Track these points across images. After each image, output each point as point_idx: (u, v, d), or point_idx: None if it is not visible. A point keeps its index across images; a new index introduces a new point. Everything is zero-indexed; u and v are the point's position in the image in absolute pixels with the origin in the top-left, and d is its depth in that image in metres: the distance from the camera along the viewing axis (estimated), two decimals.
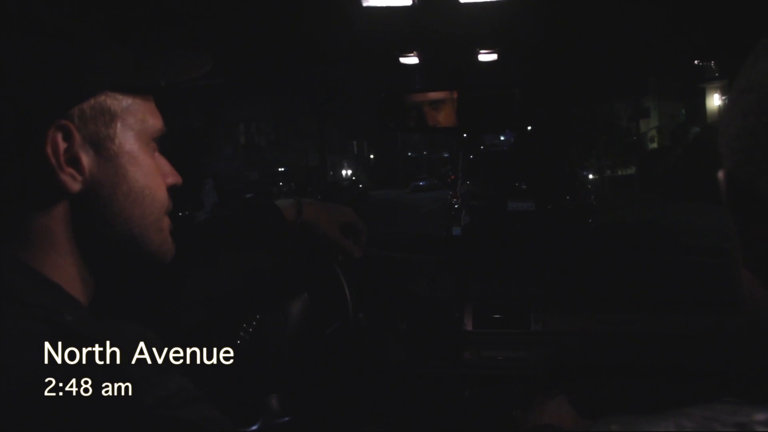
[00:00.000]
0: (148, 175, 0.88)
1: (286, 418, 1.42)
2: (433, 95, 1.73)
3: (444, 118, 1.70)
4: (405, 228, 16.53)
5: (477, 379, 1.75)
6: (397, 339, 1.77)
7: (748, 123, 0.58)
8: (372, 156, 56.91)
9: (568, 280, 1.85)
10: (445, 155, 54.36)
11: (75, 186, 0.81)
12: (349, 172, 48.50)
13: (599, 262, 1.96)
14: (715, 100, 29.36)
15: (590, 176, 27.93)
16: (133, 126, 0.87)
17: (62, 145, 0.79)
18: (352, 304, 1.41)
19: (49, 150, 0.78)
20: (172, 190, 0.96)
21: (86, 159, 0.82)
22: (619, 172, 31.00)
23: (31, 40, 0.78)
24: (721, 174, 0.62)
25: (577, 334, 1.74)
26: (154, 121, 0.91)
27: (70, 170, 0.80)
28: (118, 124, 0.85)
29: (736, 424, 0.53)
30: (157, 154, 0.95)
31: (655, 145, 34.08)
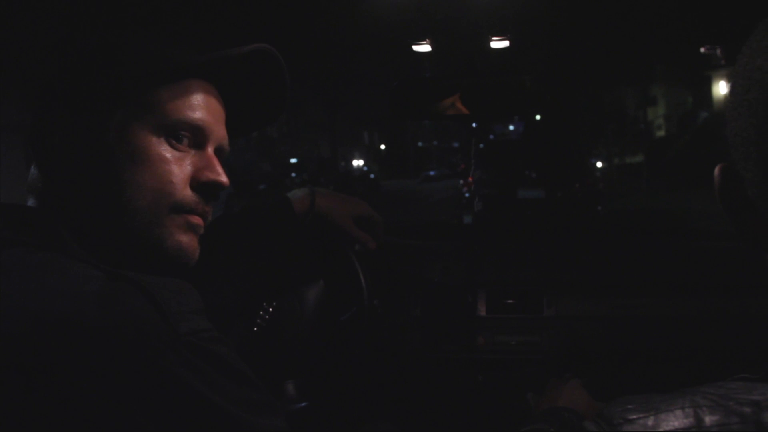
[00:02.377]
0: (151, 170, 0.88)
1: (303, 404, 1.44)
2: (445, 83, 1.73)
3: (455, 106, 1.71)
4: (417, 217, 16.51)
5: (491, 363, 1.76)
6: (412, 325, 1.79)
7: (739, 124, 0.59)
8: (383, 146, 56.75)
9: (579, 266, 1.85)
10: (455, 145, 54.17)
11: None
12: (361, 162, 48.40)
13: (610, 247, 1.96)
14: (721, 88, 29.06)
15: (599, 164, 27.78)
16: (145, 118, 0.89)
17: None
18: (367, 290, 1.42)
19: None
20: (213, 187, 0.95)
21: (86, 147, 0.86)
22: (627, 160, 30.81)
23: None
24: (717, 169, 0.63)
25: (589, 319, 1.75)
26: (184, 114, 0.92)
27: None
28: (122, 116, 0.88)
29: (752, 402, 0.53)
30: (203, 152, 0.95)
31: (662, 133, 33.79)
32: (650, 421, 0.55)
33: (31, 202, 0.90)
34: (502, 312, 1.80)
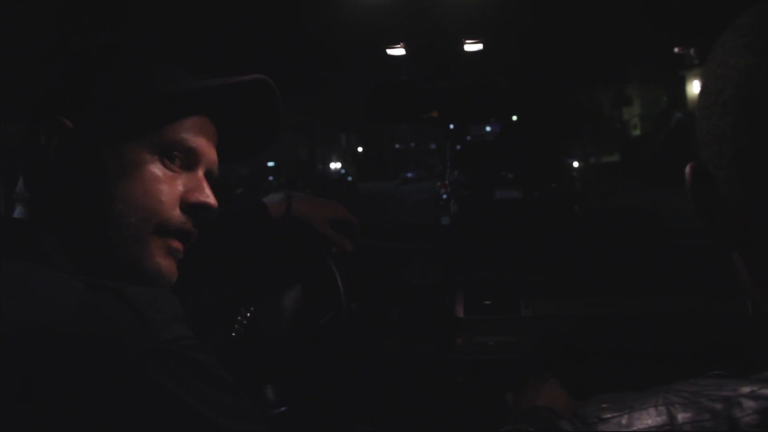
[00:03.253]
0: (143, 187, 0.88)
1: (282, 409, 1.44)
2: (420, 86, 1.74)
3: (431, 108, 1.71)
4: (395, 219, 16.51)
5: (469, 364, 1.77)
6: (390, 327, 1.79)
7: (712, 122, 0.60)
8: (360, 149, 56.72)
9: (556, 266, 1.87)
10: (433, 147, 54.22)
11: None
12: (339, 165, 48.32)
13: (586, 246, 1.97)
14: (695, 87, 29.45)
15: (575, 164, 27.98)
16: (141, 136, 0.89)
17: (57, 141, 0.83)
18: (344, 294, 1.42)
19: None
20: (202, 209, 0.95)
21: (74, 158, 0.86)
22: (604, 160, 31.07)
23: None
24: (688, 168, 0.64)
25: (567, 318, 1.76)
26: (180, 136, 0.92)
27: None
28: (118, 131, 0.88)
29: (723, 398, 0.54)
30: (194, 173, 0.95)
31: (638, 132, 34.15)
32: (624, 420, 0.56)
33: (18, 212, 0.89)
34: (479, 313, 1.80)
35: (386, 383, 1.76)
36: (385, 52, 1.96)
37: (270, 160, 33.80)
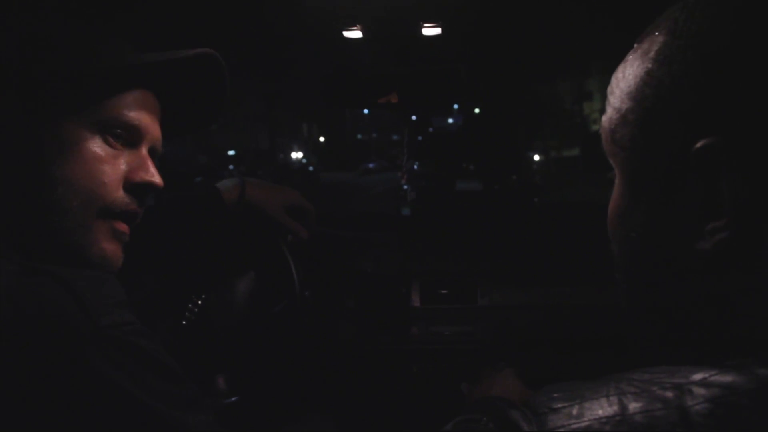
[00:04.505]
0: (84, 168, 0.85)
1: (234, 398, 1.41)
2: (378, 71, 1.72)
3: (389, 94, 1.70)
4: (357, 209, 16.51)
5: (425, 354, 1.76)
6: (345, 316, 1.77)
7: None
8: (322, 139, 56.57)
9: (514, 256, 1.87)
10: (395, 137, 54.34)
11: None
12: (300, 154, 48.11)
13: (544, 238, 1.98)
14: None
15: (536, 157, 28.31)
16: (80, 114, 0.85)
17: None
18: (298, 282, 1.40)
19: None
20: (146, 188, 0.92)
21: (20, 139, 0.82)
22: (564, 153, 31.47)
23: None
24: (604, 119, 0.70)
25: (523, 308, 1.76)
26: (121, 113, 0.89)
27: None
28: (56, 109, 0.84)
29: (674, 386, 0.53)
30: (137, 151, 0.92)
31: (597, 127, 34.63)
32: (575, 410, 0.55)
33: None
34: (436, 302, 1.80)
35: (341, 373, 1.75)
36: (343, 36, 1.93)
37: (230, 149, 33.59)
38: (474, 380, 1.41)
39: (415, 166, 11.33)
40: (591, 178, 20.87)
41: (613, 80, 0.71)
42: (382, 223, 2.15)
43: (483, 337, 1.75)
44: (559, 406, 0.56)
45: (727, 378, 0.53)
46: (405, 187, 11.72)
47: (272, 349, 1.45)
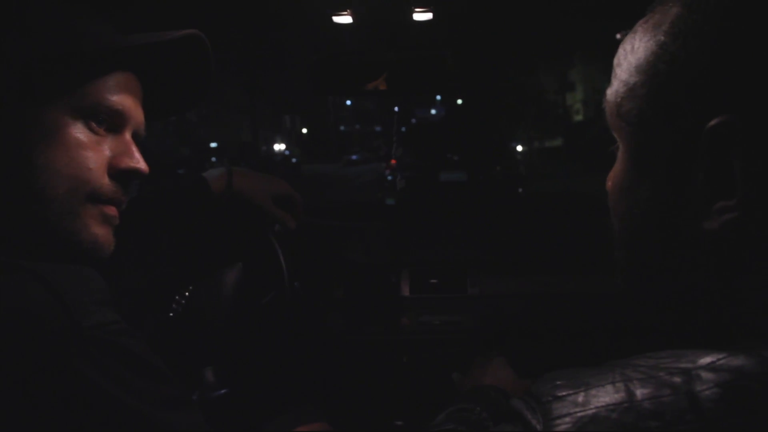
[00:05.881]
0: (67, 154, 0.82)
1: (222, 391, 1.40)
2: (365, 58, 1.70)
3: (376, 81, 1.68)
4: (340, 200, 16.52)
5: (415, 344, 1.75)
6: (334, 307, 1.76)
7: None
8: (305, 130, 56.45)
9: (502, 246, 1.86)
10: (378, 129, 54.33)
11: None
12: (283, 146, 47.95)
13: (530, 227, 1.98)
14: None
15: (519, 148, 28.38)
16: (62, 99, 0.82)
17: None
18: (287, 272, 1.38)
19: None
20: (132, 175, 0.90)
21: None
22: (547, 144, 31.61)
23: None
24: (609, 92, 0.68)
25: (513, 296, 1.76)
26: (103, 97, 0.86)
27: None
28: (37, 95, 0.81)
29: (682, 371, 0.52)
30: (121, 136, 0.89)
31: (580, 117, 34.80)
32: (580, 398, 0.54)
33: None
34: (425, 292, 1.79)
35: (330, 364, 1.74)
36: (331, 22, 1.90)
37: (213, 141, 33.44)
38: (465, 369, 1.40)
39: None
40: (573, 169, 20.99)
41: (621, 52, 0.68)
42: (369, 213, 2.14)
43: (473, 326, 1.74)
44: (564, 393, 0.55)
45: (735, 362, 0.52)
46: (389, 177, 11.73)
47: (261, 340, 1.44)
